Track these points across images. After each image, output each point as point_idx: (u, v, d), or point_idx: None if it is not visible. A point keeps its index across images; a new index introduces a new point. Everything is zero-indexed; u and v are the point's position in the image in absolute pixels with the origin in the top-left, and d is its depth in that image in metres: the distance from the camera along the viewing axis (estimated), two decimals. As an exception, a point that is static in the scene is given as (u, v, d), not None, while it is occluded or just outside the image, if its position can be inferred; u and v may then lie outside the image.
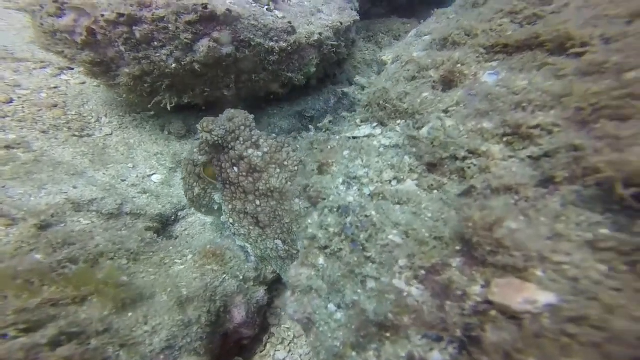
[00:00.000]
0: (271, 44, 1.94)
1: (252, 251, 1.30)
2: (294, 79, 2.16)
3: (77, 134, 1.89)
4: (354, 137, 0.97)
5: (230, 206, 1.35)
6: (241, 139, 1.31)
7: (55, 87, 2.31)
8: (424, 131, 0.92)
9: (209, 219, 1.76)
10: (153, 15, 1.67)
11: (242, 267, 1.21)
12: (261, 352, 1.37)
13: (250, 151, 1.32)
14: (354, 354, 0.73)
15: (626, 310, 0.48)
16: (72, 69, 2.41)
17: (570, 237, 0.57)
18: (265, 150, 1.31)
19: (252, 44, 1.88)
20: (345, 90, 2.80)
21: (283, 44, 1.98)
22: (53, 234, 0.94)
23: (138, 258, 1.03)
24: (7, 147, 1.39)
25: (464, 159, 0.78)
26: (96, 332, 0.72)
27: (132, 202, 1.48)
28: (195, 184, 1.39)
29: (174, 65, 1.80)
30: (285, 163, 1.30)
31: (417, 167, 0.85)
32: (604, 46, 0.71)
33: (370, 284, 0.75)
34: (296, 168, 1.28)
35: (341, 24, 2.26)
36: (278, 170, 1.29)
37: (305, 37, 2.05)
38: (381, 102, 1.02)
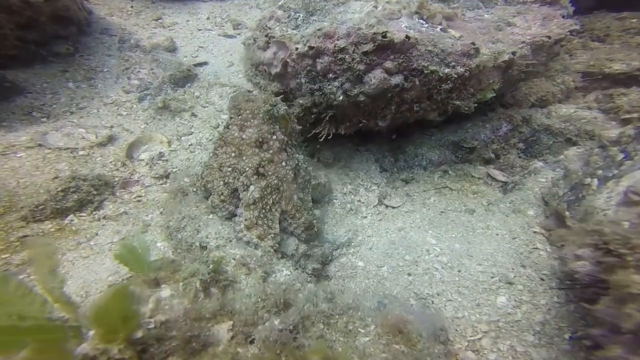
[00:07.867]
0: (447, 70, 1.67)
1: None
2: (462, 108, 1.83)
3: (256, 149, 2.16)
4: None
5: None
6: (236, 118, 1.61)
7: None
8: None
9: (360, 263, 1.68)
10: (335, 46, 1.69)
11: (432, 352, 1.01)
12: None
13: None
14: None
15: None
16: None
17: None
18: (255, 135, 1.60)
19: (425, 72, 1.67)
20: (528, 115, 2.20)
21: (460, 70, 1.68)
22: (273, 290, 1.01)
23: (329, 322, 1.00)
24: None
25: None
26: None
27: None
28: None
29: (341, 97, 1.80)
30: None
31: None
32: None
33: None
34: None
35: (549, 37, 1.76)
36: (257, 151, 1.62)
37: (493, 59, 1.68)
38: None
